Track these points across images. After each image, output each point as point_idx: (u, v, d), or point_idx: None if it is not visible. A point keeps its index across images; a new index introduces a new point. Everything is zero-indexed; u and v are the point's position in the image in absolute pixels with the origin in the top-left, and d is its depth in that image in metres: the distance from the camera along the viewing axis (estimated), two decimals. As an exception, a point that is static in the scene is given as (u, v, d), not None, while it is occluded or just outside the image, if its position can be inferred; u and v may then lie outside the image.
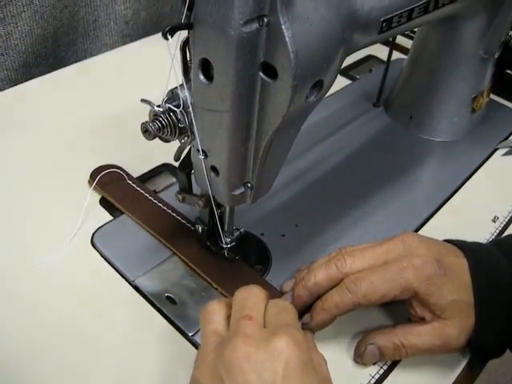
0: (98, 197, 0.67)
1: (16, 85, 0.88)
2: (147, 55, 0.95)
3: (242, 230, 0.58)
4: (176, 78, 0.46)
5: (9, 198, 0.67)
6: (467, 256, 0.53)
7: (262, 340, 0.41)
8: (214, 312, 0.46)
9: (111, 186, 0.67)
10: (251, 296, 0.46)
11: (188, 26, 0.42)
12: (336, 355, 0.53)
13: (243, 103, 0.43)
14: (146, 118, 0.49)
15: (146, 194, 0.66)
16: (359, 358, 0.53)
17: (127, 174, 0.69)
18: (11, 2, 0.84)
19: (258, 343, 0.41)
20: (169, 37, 0.42)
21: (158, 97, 0.49)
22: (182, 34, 0.44)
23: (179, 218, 0.64)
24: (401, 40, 0.99)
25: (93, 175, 0.69)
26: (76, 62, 0.94)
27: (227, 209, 0.55)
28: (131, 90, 0.83)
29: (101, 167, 0.70)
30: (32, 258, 0.60)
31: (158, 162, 0.73)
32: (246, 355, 0.40)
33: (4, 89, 0.89)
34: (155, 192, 0.68)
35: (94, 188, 0.67)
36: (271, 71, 0.41)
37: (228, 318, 0.46)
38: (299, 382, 0.40)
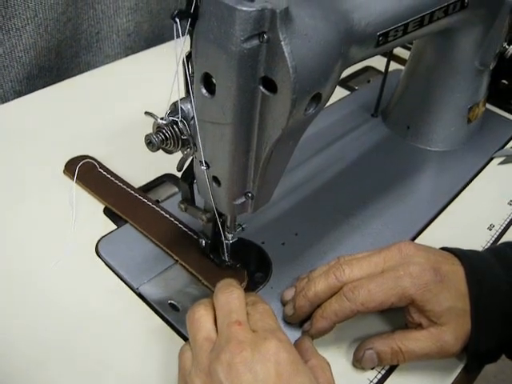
0: (101, 206, 0.69)
1: (20, 96, 0.89)
2: (149, 67, 0.96)
3: (244, 225, 0.58)
4: (178, 91, 0.48)
5: (9, 208, 0.68)
6: (463, 263, 0.54)
7: (254, 344, 0.45)
8: (203, 318, 0.48)
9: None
10: (233, 299, 0.49)
11: (194, 15, 0.43)
12: (335, 360, 0.54)
13: (244, 116, 0.45)
14: (148, 130, 0.50)
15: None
16: (358, 363, 0.54)
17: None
18: (16, 15, 0.86)
19: (252, 347, 0.44)
20: (177, 20, 0.42)
21: (160, 108, 0.50)
22: (186, 48, 0.46)
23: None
24: (398, 51, 1.00)
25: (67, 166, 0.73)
26: (79, 73, 0.95)
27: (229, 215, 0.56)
28: (134, 102, 0.85)
29: (76, 158, 0.73)
30: (36, 265, 0.61)
31: (161, 172, 0.74)
32: (242, 359, 0.43)
33: (8, 100, 0.90)
34: (158, 202, 0.70)
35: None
36: (271, 85, 0.42)
37: (215, 321, 0.48)
38: (291, 379, 0.43)
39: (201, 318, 0.48)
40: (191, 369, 0.46)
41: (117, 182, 0.71)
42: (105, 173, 0.73)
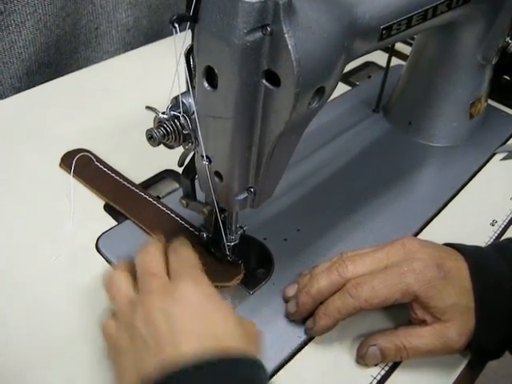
0: (101, 202, 0.68)
1: (19, 92, 0.89)
2: (149, 63, 0.96)
3: (245, 227, 0.58)
4: (179, 85, 0.47)
5: (7, 203, 0.68)
6: (467, 259, 0.54)
7: (166, 289, 0.46)
8: (119, 280, 0.50)
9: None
10: (148, 254, 0.51)
11: (194, 18, 0.43)
12: (338, 356, 0.54)
13: (247, 110, 0.44)
14: (149, 125, 0.50)
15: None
16: (361, 359, 0.53)
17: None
18: (15, 11, 0.85)
19: (163, 293, 0.45)
20: (176, 25, 0.42)
21: (160, 104, 0.50)
22: (187, 42, 0.45)
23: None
24: (400, 46, 1.00)
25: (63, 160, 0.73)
26: (78, 69, 0.95)
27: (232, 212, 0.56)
28: (133, 98, 0.84)
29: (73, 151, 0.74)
30: (35, 262, 0.61)
31: (161, 168, 0.74)
32: (157, 308, 0.44)
33: (7, 96, 0.90)
34: (158, 198, 0.69)
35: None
36: (274, 79, 0.42)
37: (135, 280, 0.50)
38: (208, 317, 0.44)
39: (116, 281, 0.50)
40: (117, 335, 0.46)
41: (113, 175, 0.71)
42: (101, 166, 0.72)
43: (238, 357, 0.43)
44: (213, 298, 0.46)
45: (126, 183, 0.70)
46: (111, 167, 0.72)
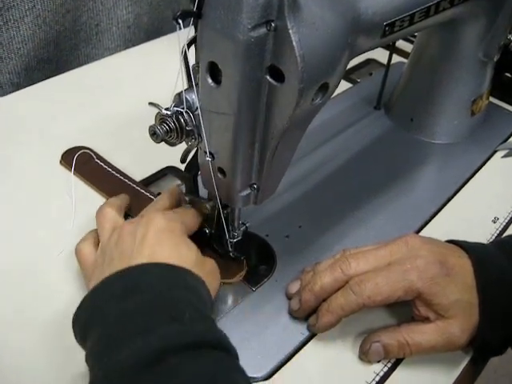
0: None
1: (18, 89, 0.88)
2: (149, 60, 0.96)
3: (247, 224, 0.58)
4: (183, 82, 0.47)
5: (7, 201, 0.68)
6: (470, 256, 0.53)
7: (143, 220, 0.52)
8: (111, 212, 0.56)
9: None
10: (152, 207, 0.58)
11: (198, 14, 0.42)
12: (341, 353, 0.54)
13: (250, 106, 0.44)
14: (150, 122, 0.50)
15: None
16: (364, 356, 0.53)
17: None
18: (14, 7, 0.85)
19: (140, 222, 0.51)
20: (180, 21, 0.42)
21: (161, 100, 0.50)
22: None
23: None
24: (401, 44, 1.00)
25: (64, 157, 0.74)
26: (78, 66, 0.95)
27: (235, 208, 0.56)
28: (134, 94, 0.84)
29: (73, 148, 0.74)
30: (37, 259, 0.61)
31: (162, 165, 0.74)
32: (126, 231, 0.51)
33: (6, 92, 0.89)
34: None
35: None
36: (278, 75, 0.42)
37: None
38: (166, 239, 0.50)
39: (107, 212, 0.56)
40: (95, 256, 0.52)
41: (114, 172, 0.71)
42: (102, 163, 0.72)
43: (188, 271, 0.48)
44: (178, 233, 0.51)
45: (126, 180, 0.70)
46: (112, 165, 0.72)
